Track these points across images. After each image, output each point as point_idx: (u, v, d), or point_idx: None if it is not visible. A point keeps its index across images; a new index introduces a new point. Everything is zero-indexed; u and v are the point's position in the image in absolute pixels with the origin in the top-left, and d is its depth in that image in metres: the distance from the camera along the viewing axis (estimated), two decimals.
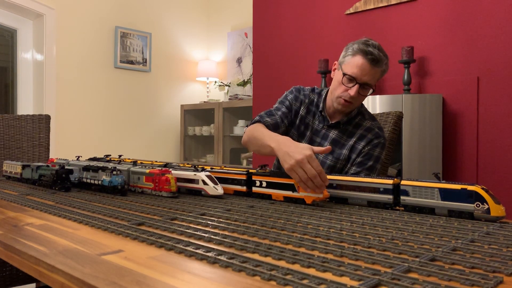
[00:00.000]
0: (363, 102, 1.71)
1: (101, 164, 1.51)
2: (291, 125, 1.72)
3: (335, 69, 1.65)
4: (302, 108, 1.72)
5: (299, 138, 1.71)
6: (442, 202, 1.00)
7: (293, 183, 1.19)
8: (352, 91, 1.53)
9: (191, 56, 4.96)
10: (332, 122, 1.67)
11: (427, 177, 1.61)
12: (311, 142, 1.70)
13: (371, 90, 1.57)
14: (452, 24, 2.74)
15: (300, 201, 1.18)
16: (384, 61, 1.54)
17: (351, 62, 1.54)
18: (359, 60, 1.52)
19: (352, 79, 1.53)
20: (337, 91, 1.59)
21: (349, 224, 0.91)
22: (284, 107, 1.70)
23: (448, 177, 2.70)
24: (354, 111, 1.66)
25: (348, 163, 1.64)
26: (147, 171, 1.35)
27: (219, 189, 1.28)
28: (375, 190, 1.13)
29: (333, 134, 1.67)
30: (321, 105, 1.69)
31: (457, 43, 2.71)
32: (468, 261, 0.63)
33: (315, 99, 1.73)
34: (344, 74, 1.54)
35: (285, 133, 1.68)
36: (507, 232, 0.82)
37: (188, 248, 0.71)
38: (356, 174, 1.60)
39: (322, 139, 1.69)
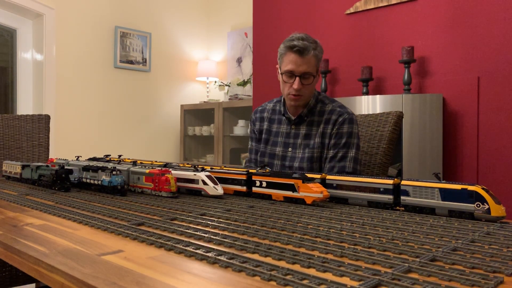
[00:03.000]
0: (319, 91, 1.83)
1: (100, 164, 1.51)
2: (260, 142, 1.89)
3: (278, 74, 1.78)
4: (264, 123, 1.89)
5: (272, 147, 1.83)
6: (443, 202, 1.00)
7: (293, 183, 1.19)
8: (295, 84, 1.66)
9: (191, 56, 4.96)
10: (295, 117, 1.78)
11: (427, 177, 1.62)
12: (286, 145, 1.80)
13: (314, 78, 1.70)
14: (452, 24, 2.73)
15: (300, 201, 1.18)
16: (311, 47, 1.66)
17: (284, 61, 1.69)
18: (288, 56, 1.67)
19: (290, 74, 1.67)
20: (284, 91, 1.73)
21: (349, 224, 0.91)
22: (254, 141, 1.93)
23: (448, 177, 2.70)
24: (311, 101, 1.77)
25: (324, 148, 1.72)
26: (147, 171, 1.35)
27: (219, 189, 1.28)
28: (376, 190, 1.12)
29: (303, 130, 1.77)
30: (282, 109, 1.83)
31: (457, 43, 2.71)
32: (469, 261, 0.63)
33: (278, 107, 1.87)
34: (283, 73, 1.70)
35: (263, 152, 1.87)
36: (507, 232, 0.82)
37: (188, 248, 0.71)
38: (334, 156, 1.69)
39: (294, 139, 1.79)
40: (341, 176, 1.22)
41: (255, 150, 1.93)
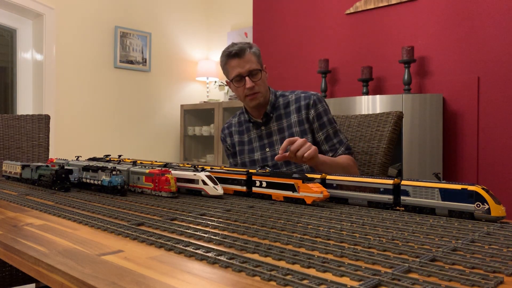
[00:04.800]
0: (274, 90, 1.87)
1: (100, 164, 1.51)
2: (237, 155, 1.92)
3: (230, 87, 1.83)
4: (234, 137, 1.94)
5: (250, 154, 1.86)
6: (443, 202, 1.00)
7: (293, 183, 1.19)
8: (247, 83, 1.72)
9: (191, 56, 4.96)
10: (261, 118, 1.82)
11: (427, 177, 1.61)
12: (262, 147, 1.83)
13: (261, 72, 1.75)
14: (452, 24, 2.73)
15: (300, 201, 1.18)
16: (246, 46, 1.74)
17: (229, 70, 1.77)
18: (230, 63, 1.75)
19: (239, 78, 1.74)
20: (241, 96, 1.78)
21: (349, 224, 0.91)
22: (231, 158, 1.97)
23: (448, 177, 2.70)
24: (271, 97, 1.82)
25: (307, 134, 1.76)
26: (147, 171, 1.35)
27: (219, 189, 1.28)
28: (376, 190, 1.12)
29: (273, 126, 1.82)
30: (246, 116, 1.87)
31: (457, 43, 2.71)
32: (469, 261, 0.63)
33: (242, 118, 1.92)
34: (232, 80, 1.76)
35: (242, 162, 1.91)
36: (507, 232, 0.82)
37: (188, 248, 0.71)
38: (328, 135, 1.75)
39: (268, 138, 1.82)
40: (341, 176, 1.22)
41: (235, 166, 1.98)
